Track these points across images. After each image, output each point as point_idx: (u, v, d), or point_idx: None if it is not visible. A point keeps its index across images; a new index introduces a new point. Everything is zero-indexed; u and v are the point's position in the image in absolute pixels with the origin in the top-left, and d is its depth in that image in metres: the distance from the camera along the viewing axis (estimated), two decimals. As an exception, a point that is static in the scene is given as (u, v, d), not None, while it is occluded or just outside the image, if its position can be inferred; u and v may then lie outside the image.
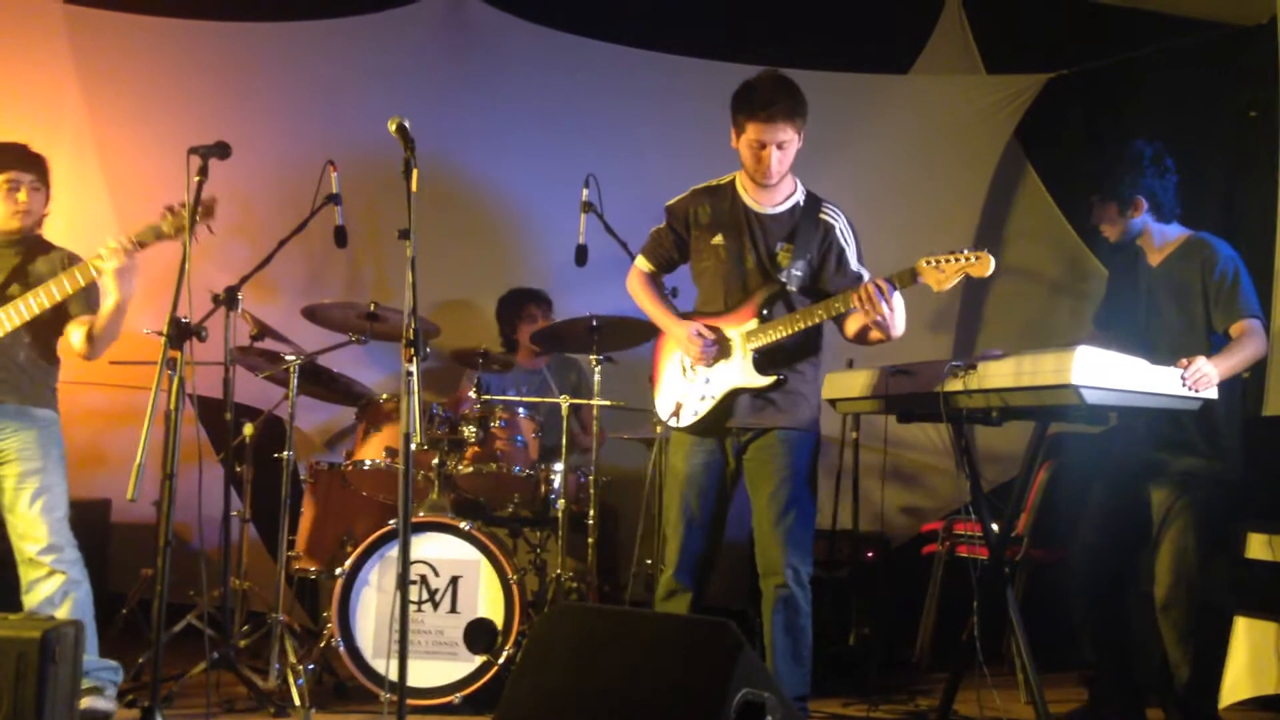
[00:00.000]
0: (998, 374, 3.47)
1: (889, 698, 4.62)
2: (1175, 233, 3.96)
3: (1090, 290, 5.57)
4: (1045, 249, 5.95)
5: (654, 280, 4.05)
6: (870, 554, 5.40)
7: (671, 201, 3.99)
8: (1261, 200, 5.02)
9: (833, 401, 4.11)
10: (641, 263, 4.05)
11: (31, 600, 3.80)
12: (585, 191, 4.88)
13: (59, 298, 3.86)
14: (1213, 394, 3.54)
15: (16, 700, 3.15)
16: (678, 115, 5.84)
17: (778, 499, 3.76)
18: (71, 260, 4.00)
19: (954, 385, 3.56)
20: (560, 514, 4.67)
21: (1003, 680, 4.27)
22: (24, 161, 4.02)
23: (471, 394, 4.81)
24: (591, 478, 4.77)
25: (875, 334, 3.74)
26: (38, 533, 3.83)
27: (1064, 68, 5.79)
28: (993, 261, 3.47)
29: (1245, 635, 4.26)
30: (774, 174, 3.78)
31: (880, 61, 5.96)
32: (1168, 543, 3.81)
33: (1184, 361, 3.53)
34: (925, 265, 3.54)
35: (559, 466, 4.75)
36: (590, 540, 4.71)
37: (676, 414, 3.87)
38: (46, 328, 3.99)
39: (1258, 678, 4.20)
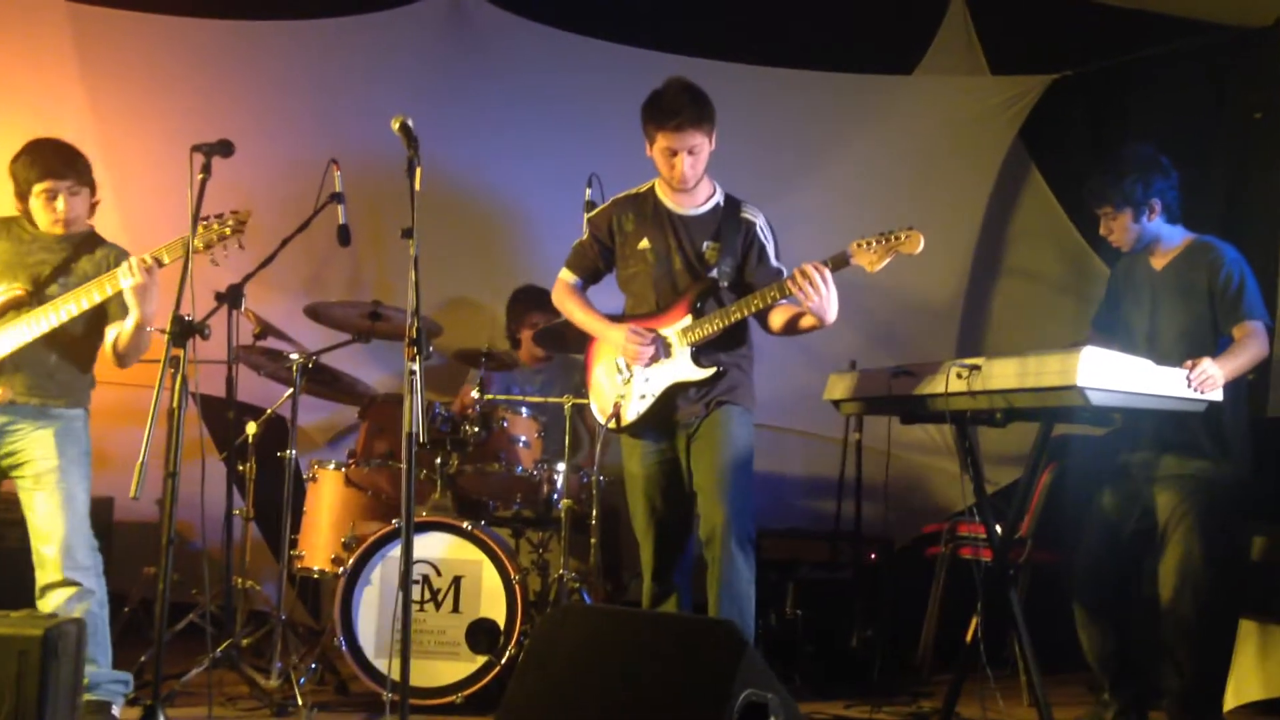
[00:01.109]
0: (1002, 375, 3.47)
1: (891, 700, 4.61)
2: (1179, 236, 3.95)
3: (1094, 291, 5.54)
4: (1049, 249, 5.94)
5: (580, 290, 4.14)
6: (873, 555, 5.39)
7: (593, 213, 4.12)
8: (1266, 202, 5.01)
9: (836, 403, 4.11)
10: (566, 275, 4.14)
11: (43, 607, 3.71)
12: (588, 191, 4.87)
13: (88, 306, 3.76)
14: (1218, 395, 3.54)
15: (19, 698, 3.15)
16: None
17: (717, 467, 3.80)
18: (119, 259, 3.87)
19: (957, 386, 3.55)
20: (563, 514, 4.66)
21: (1006, 683, 4.27)
22: (58, 168, 3.86)
23: (475, 394, 4.80)
24: (594, 478, 4.76)
25: (806, 321, 3.79)
26: (52, 535, 3.74)
27: (1068, 68, 5.78)
28: (922, 239, 3.56)
29: (1251, 638, 4.25)
30: (688, 180, 3.88)
31: (884, 62, 5.95)
32: (1173, 546, 3.80)
33: (1189, 363, 3.52)
34: (857, 247, 3.63)
35: (561, 466, 4.74)
36: (593, 540, 4.70)
37: (616, 415, 3.92)
38: (82, 332, 3.89)
39: (1263, 680, 4.19)
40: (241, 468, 4.76)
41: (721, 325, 3.80)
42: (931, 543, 5.35)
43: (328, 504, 4.71)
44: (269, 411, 4.87)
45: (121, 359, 3.89)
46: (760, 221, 3.96)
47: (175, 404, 3.32)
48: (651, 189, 4.02)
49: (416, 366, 3.16)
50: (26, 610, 3.41)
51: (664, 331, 3.90)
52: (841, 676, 4.89)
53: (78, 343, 3.91)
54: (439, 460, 4.58)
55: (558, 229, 5.35)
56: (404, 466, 3.14)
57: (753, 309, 3.78)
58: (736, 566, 3.75)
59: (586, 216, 4.13)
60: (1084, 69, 5.77)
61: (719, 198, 3.99)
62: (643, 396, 3.89)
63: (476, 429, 4.61)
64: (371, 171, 5.17)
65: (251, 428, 4.72)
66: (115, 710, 3.83)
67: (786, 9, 5.92)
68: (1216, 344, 3.74)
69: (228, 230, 3.75)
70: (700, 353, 3.85)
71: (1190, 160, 4.02)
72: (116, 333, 3.87)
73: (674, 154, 3.82)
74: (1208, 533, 3.76)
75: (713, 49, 5.72)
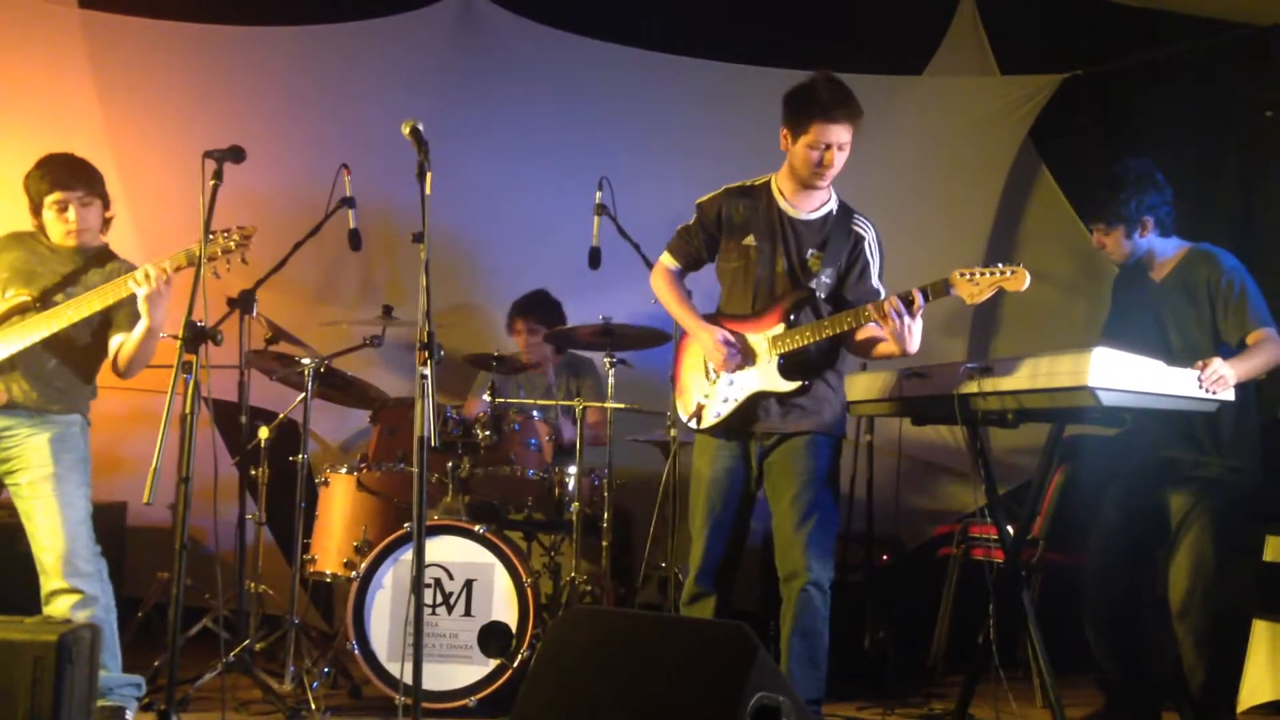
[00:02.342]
0: (1013, 376, 3.46)
1: (904, 701, 4.62)
2: (1175, 247, 3.94)
3: (1105, 291, 5.50)
4: (1059, 249, 5.93)
5: (679, 278, 4.02)
6: (885, 557, 5.39)
7: (703, 199, 3.96)
8: (1278, 202, 4.98)
9: (847, 404, 4.10)
10: (667, 259, 4.01)
11: (50, 612, 3.72)
12: (599, 194, 4.88)
13: (88, 313, 3.79)
14: (1229, 395, 3.53)
15: (33, 704, 3.16)
16: (691, 118, 5.84)
17: (800, 502, 3.74)
18: (125, 273, 3.86)
19: (969, 387, 3.55)
20: (574, 517, 4.67)
21: (1018, 684, 4.26)
22: (68, 179, 3.90)
23: (486, 397, 4.82)
24: (606, 480, 4.77)
25: (884, 348, 3.71)
26: (53, 542, 3.76)
27: (1079, 68, 5.77)
28: (1028, 277, 3.45)
29: (1263, 639, 4.24)
30: (831, 176, 3.78)
31: (894, 62, 5.94)
32: (1186, 548, 3.79)
33: (1200, 363, 3.51)
34: (959, 277, 3.52)
35: (573, 469, 4.75)
36: (604, 543, 4.71)
37: (698, 415, 3.86)
38: (86, 342, 3.92)
39: (1276, 681, 4.18)
40: (254, 472, 4.77)
41: (812, 339, 3.71)
42: (943, 544, 5.35)
43: (340, 508, 4.72)
44: (281, 416, 4.89)
45: (127, 367, 3.91)
46: (870, 236, 3.85)
47: (188, 409, 3.33)
48: (767, 184, 3.90)
49: (428, 370, 3.17)
50: (41, 616, 3.43)
51: (755, 336, 3.81)
52: (854, 678, 4.88)
53: (80, 352, 3.93)
54: (451, 464, 4.59)
55: (568, 232, 5.37)
56: (416, 470, 3.15)
57: (844, 327, 3.68)
58: (815, 608, 3.71)
59: (696, 202, 3.97)
60: (1094, 69, 5.76)
61: (833, 205, 3.89)
62: (725, 400, 3.82)
63: (488, 432, 4.62)
64: (382, 176, 5.19)
65: (264, 432, 4.74)
66: (129, 715, 3.84)
67: (796, 11, 5.92)
68: (1219, 352, 3.73)
69: (232, 245, 3.77)
70: (788, 364, 3.76)
71: (1202, 160, 4.00)
72: (121, 340, 3.89)
73: (827, 147, 3.70)
74: (1221, 535, 3.75)
75: (722, 51, 5.73)
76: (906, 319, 3.51)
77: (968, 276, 3.51)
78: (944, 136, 5.91)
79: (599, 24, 5.92)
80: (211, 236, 3.71)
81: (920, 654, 5.24)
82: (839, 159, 3.74)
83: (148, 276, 3.72)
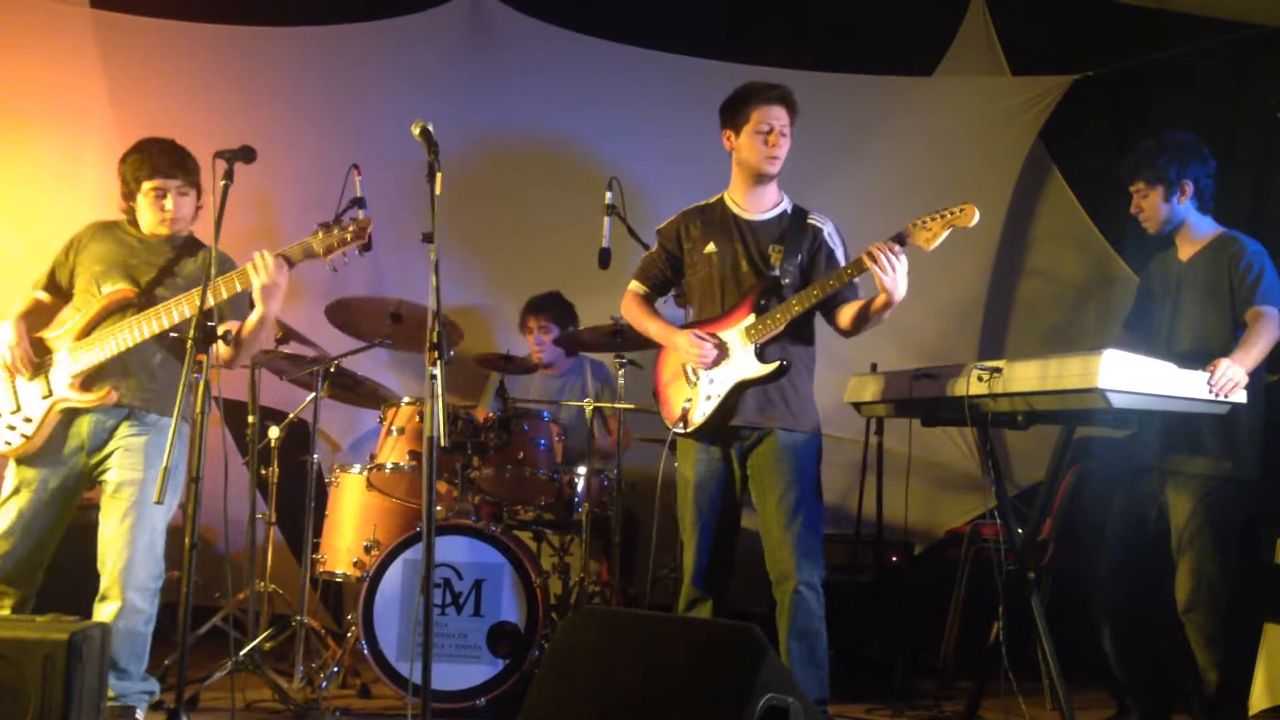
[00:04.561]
0: (1023, 377, 3.46)
1: (913, 704, 4.61)
2: (1209, 229, 3.94)
3: (1116, 293, 5.53)
4: (1070, 251, 5.92)
5: (648, 300, 4.11)
6: (894, 558, 5.38)
7: (662, 225, 4.09)
8: (1289, 200, 4.97)
9: (857, 405, 4.10)
10: (635, 285, 4.12)
11: (98, 610, 3.71)
12: (608, 194, 4.87)
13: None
14: (1241, 397, 3.51)
15: (44, 702, 3.17)
16: (702, 118, 5.77)
17: (785, 503, 3.77)
18: (222, 262, 3.77)
19: (978, 389, 3.54)
20: (583, 517, 4.67)
21: (1028, 686, 4.25)
22: (169, 168, 3.84)
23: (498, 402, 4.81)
24: (615, 481, 4.76)
25: (878, 301, 3.71)
26: (118, 548, 3.71)
27: (1089, 69, 5.76)
28: (976, 211, 3.51)
29: (1274, 641, 4.22)
30: (781, 158, 3.88)
31: (904, 63, 5.94)
32: (1187, 549, 3.77)
33: (1210, 366, 3.50)
34: (913, 226, 3.60)
35: (582, 470, 4.74)
36: (615, 540, 4.71)
37: (684, 419, 3.89)
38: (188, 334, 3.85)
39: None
40: (264, 472, 4.78)
41: (785, 319, 3.76)
42: (953, 545, 5.34)
43: (349, 508, 4.73)
44: (291, 416, 4.89)
45: (237, 354, 3.83)
46: (828, 228, 3.94)
47: (198, 409, 3.33)
48: (720, 199, 4.02)
49: (437, 370, 3.17)
50: (52, 615, 3.44)
51: (729, 332, 3.85)
52: (864, 680, 4.88)
53: (183, 344, 3.88)
54: (460, 464, 4.60)
55: (578, 232, 5.37)
56: (425, 470, 3.15)
57: (813, 300, 3.73)
58: (810, 607, 3.73)
59: (656, 229, 4.09)
60: (1105, 69, 5.75)
61: (786, 205, 3.98)
62: (708, 398, 3.85)
63: (497, 432, 4.62)
64: (392, 176, 5.20)
65: (274, 432, 4.74)
66: (139, 714, 3.84)
67: (807, 12, 5.91)
68: (1237, 337, 3.72)
69: (349, 236, 3.72)
70: (764, 349, 3.81)
71: (1214, 160, 4.00)
72: (230, 327, 3.79)
73: (770, 130, 3.82)
74: (1219, 533, 3.74)
75: (732, 53, 5.72)
76: (896, 265, 3.56)
77: (920, 224, 3.59)
78: (954, 137, 5.90)
79: (608, 24, 5.93)
80: (329, 229, 3.70)
81: (930, 656, 5.23)
82: (784, 143, 3.85)
83: (264, 266, 3.66)
